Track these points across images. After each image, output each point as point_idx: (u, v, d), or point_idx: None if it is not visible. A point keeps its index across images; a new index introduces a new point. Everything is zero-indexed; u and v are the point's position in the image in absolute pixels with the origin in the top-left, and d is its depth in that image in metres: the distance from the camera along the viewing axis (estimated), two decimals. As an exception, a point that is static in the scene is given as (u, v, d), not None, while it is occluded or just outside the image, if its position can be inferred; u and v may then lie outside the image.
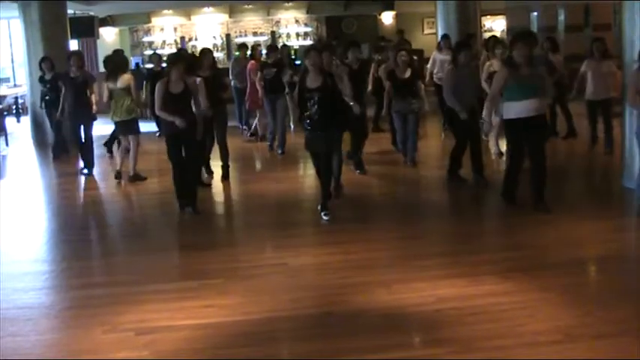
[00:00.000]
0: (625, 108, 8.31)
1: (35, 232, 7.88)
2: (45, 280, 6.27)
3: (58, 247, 7.36)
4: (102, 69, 12.53)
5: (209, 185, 9.46)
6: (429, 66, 13.60)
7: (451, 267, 5.91)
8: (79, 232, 7.98)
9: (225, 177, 9.79)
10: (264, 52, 14.85)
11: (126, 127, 9.98)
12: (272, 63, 11.88)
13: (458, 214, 8.03)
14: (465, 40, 10.30)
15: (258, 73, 11.93)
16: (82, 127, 10.71)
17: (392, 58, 10.33)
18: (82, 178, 10.64)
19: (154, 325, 5.01)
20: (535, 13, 20.81)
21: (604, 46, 10.10)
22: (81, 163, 10.94)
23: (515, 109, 7.16)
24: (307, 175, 9.95)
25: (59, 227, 8.21)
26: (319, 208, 7.57)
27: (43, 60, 12.17)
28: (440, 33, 14.66)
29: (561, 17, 20.21)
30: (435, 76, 13.10)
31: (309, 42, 21.22)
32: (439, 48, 13.33)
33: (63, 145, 12.25)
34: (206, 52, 10.04)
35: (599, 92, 10.03)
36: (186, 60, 8.48)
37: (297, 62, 15.76)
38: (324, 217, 7.45)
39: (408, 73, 9.77)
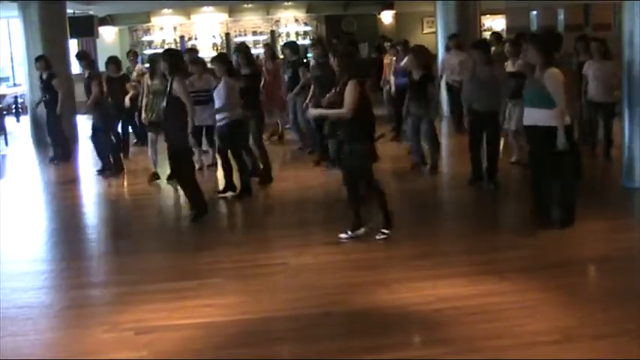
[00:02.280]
0: (624, 108, 8.31)
1: (35, 232, 7.88)
2: (44, 279, 6.27)
3: (58, 247, 7.36)
4: (102, 68, 12.49)
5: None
6: (439, 70, 13.20)
7: (450, 267, 5.92)
8: (79, 231, 7.98)
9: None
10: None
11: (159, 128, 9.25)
12: (293, 62, 11.44)
13: (458, 214, 8.03)
14: (481, 39, 10.18)
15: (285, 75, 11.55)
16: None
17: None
18: (81, 178, 10.64)
19: (154, 325, 5.01)
20: (535, 13, 20.84)
21: (604, 47, 9.69)
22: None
23: (525, 115, 6.83)
24: (308, 174, 9.95)
25: (59, 227, 8.21)
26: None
27: (38, 59, 11.95)
28: (440, 32, 14.65)
29: (561, 17, 20.24)
30: (449, 78, 12.75)
31: (308, 41, 21.25)
32: (447, 49, 13.01)
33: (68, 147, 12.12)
34: (242, 48, 9.48)
35: (599, 95, 9.63)
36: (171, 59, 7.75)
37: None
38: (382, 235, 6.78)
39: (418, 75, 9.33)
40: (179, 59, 8.00)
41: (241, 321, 5.05)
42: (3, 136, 14.07)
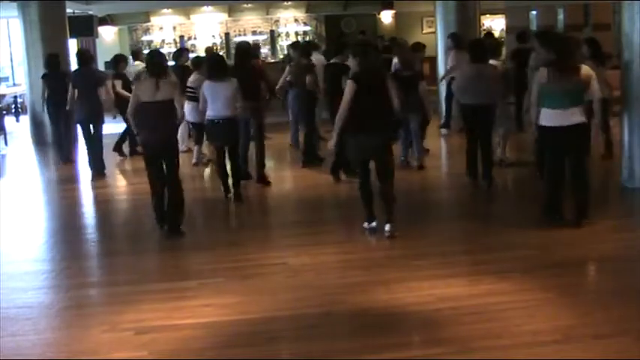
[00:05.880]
0: (624, 107, 8.31)
1: (34, 232, 7.88)
2: (44, 279, 6.27)
3: (58, 247, 7.35)
4: (100, 68, 12.53)
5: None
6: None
7: (450, 267, 5.92)
8: (79, 231, 7.97)
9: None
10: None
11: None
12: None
13: (457, 214, 8.03)
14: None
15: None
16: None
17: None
18: (81, 178, 10.63)
19: (153, 325, 5.01)
20: (534, 13, 20.85)
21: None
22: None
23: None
24: (306, 175, 9.94)
25: (58, 227, 8.21)
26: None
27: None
28: (440, 32, 14.63)
29: (560, 17, 20.24)
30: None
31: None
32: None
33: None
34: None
35: None
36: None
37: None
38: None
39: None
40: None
41: (241, 321, 5.05)
42: (3, 136, 14.06)
